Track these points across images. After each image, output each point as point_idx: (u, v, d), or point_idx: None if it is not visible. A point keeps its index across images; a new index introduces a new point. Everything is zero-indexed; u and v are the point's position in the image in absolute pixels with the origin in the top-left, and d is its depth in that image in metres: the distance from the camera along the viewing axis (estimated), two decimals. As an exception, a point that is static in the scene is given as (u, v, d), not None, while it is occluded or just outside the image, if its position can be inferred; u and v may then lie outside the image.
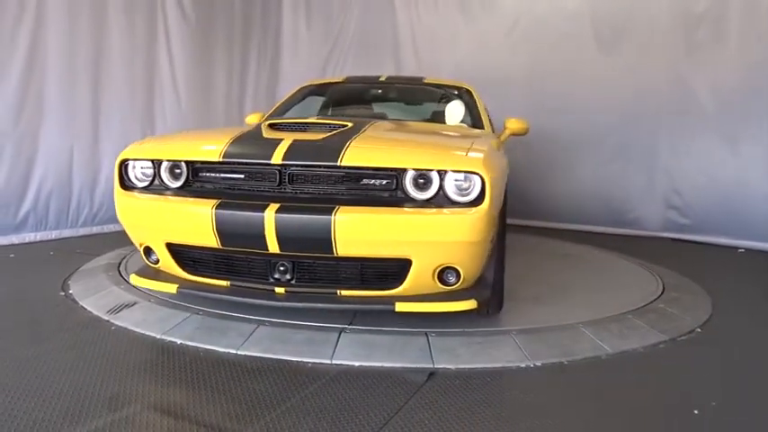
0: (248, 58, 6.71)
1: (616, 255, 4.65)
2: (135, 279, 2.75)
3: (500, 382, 2.24)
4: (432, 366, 2.34)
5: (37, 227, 4.73)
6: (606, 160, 5.95)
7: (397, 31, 6.93)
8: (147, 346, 2.50)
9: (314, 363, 2.34)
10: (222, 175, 2.50)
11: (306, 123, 2.71)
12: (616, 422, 1.98)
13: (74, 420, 1.83)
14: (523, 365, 2.39)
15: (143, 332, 2.63)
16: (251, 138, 2.58)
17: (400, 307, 2.33)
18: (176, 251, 2.61)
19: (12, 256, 4.18)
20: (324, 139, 2.45)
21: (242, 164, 2.45)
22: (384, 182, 2.31)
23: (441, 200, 2.27)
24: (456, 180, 2.26)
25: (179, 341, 2.53)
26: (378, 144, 2.47)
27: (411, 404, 2.02)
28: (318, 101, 4.36)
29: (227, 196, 2.43)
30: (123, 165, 2.64)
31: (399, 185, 2.30)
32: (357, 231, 2.25)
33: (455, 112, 3.94)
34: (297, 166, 2.37)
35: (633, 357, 2.53)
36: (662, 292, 3.43)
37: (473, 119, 3.72)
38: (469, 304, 2.38)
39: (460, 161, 2.27)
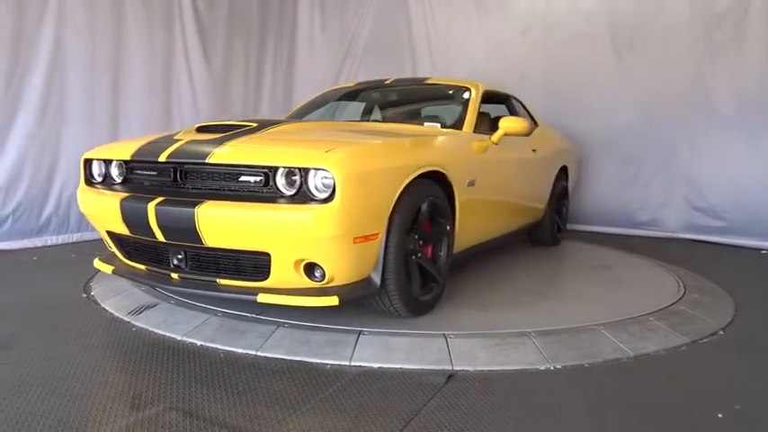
0: (264, 61, 6.76)
1: (635, 256, 4.61)
2: (96, 262, 3.01)
3: (520, 384, 2.23)
4: (451, 368, 2.33)
5: (59, 230, 4.82)
6: (625, 161, 5.90)
7: (412, 32, 6.92)
8: (168, 347, 2.52)
9: (333, 364, 2.35)
10: (140, 172, 2.73)
11: (230, 125, 2.81)
12: (639, 426, 1.96)
13: (97, 420, 1.86)
14: (543, 368, 2.37)
15: (164, 333, 2.66)
16: (162, 139, 2.78)
17: (262, 298, 2.41)
18: (116, 238, 2.88)
19: (35, 258, 4.25)
20: (212, 139, 2.60)
21: (142, 162, 2.70)
22: (258, 179, 2.38)
23: (303, 196, 2.32)
24: (323, 178, 2.30)
25: (199, 342, 2.55)
26: (251, 143, 2.55)
27: (431, 406, 2.02)
28: (329, 106, 4.39)
29: (142, 191, 2.67)
30: (88, 163, 2.95)
31: (272, 182, 2.36)
32: (216, 224, 2.38)
33: (438, 111, 4.00)
34: (178, 164, 2.55)
35: (654, 360, 2.51)
36: (683, 294, 3.39)
37: (457, 117, 3.68)
38: (330, 301, 2.37)
39: (313, 158, 2.30)
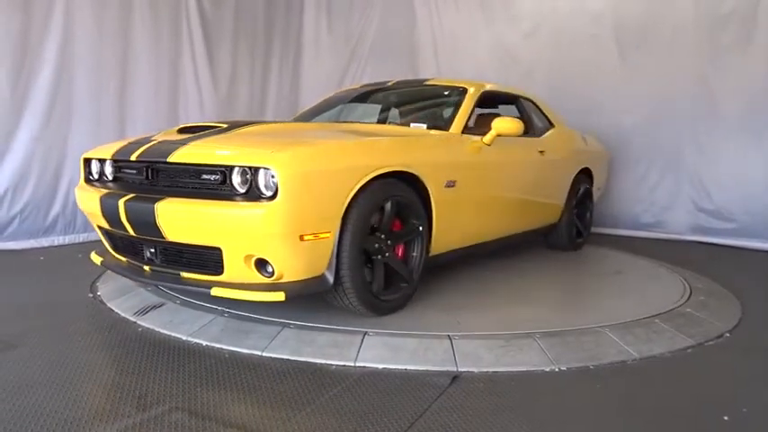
0: (270, 64, 6.75)
1: (641, 258, 4.59)
2: (92, 255, 3.14)
3: (525, 386, 2.23)
4: (455, 369, 2.33)
5: (65, 230, 4.85)
6: (631, 163, 5.88)
7: (418, 34, 6.92)
8: (174, 347, 2.53)
9: (338, 365, 2.36)
10: (126, 170, 2.82)
11: (204, 126, 2.93)
12: (644, 428, 1.95)
13: (103, 419, 1.87)
14: (548, 369, 2.37)
15: (169, 333, 2.67)
16: (142, 139, 2.90)
17: (215, 291, 2.49)
18: (104, 232, 3.01)
19: (41, 258, 4.28)
20: (180, 139, 2.71)
21: (121, 161, 2.83)
22: (215, 177, 2.46)
23: (253, 194, 2.39)
24: (270, 177, 2.34)
25: (205, 343, 2.56)
26: (210, 144, 2.64)
27: (435, 407, 2.02)
28: (330, 108, 4.40)
29: (124, 188, 2.79)
30: (87, 162, 3.06)
31: (229, 181, 2.43)
32: (172, 219, 2.50)
33: (431, 111, 4.00)
34: (148, 162, 2.67)
35: (660, 362, 2.50)
36: (689, 296, 3.37)
37: (446, 118, 3.63)
38: (276, 296, 2.42)
39: (260, 158, 2.37)
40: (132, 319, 2.88)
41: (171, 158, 2.55)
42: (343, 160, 2.59)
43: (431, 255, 3.13)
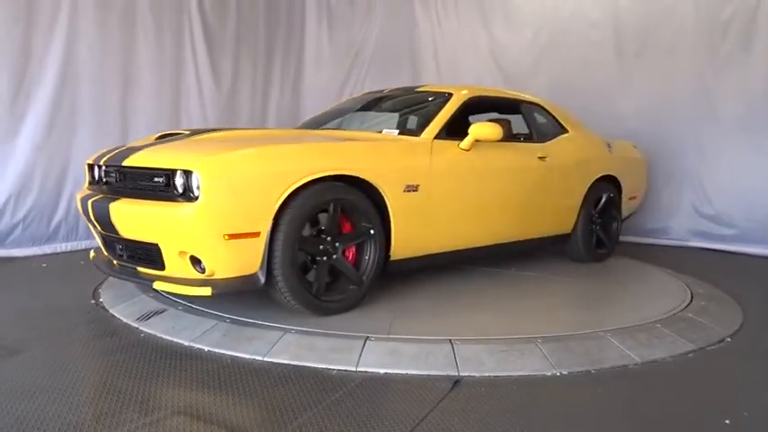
0: (272, 73, 6.74)
1: (643, 263, 4.59)
2: (91, 253, 3.33)
3: (526, 390, 2.23)
4: (457, 374, 2.34)
5: (68, 237, 4.86)
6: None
7: (419, 41, 6.95)
8: (176, 352, 2.54)
9: (339, 370, 2.36)
10: (110, 174, 2.98)
11: (173, 133, 3.16)
12: None
13: (105, 424, 1.87)
14: (549, 374, 2.37)
15: (171, 339, 2.68)
16: (117, 147, 3.13)
17: (156, 285, 2.71)
18: (95, 230, 3.16)
19: (44, 265, 4.29)
20: (142, 145, 2.94)
21: (98, 166, 3.03)
22: (161, 179, 2.63)
23: (186, 195, 2.55)
24: (197, 179, 2.49)
25: (207, 348, 2.57)
26: (160, 149, 2.82)
27: (437, 411, 2.02)
28: (328, 117, 4.43)
29: (106, 190, 2.97)
30: (90, 167, 3.21)
31: (172, 183, 2.58)
32: (121, 217, 2.74)
33: (412, 117, 4.10)
34: (114, 167, 2.89)
35: (662, 367, 2.50)
36: (690, 302, 3.37)
37: (419, 123, 3.63)
38: (203, 291, 2.56)
39: (189, 162, 2.53)
40: (134, 325, 2.88)
41: (125, 162, 2.79)
42: (272, 164, 2.68)
43: (394, 259, 3.13)
